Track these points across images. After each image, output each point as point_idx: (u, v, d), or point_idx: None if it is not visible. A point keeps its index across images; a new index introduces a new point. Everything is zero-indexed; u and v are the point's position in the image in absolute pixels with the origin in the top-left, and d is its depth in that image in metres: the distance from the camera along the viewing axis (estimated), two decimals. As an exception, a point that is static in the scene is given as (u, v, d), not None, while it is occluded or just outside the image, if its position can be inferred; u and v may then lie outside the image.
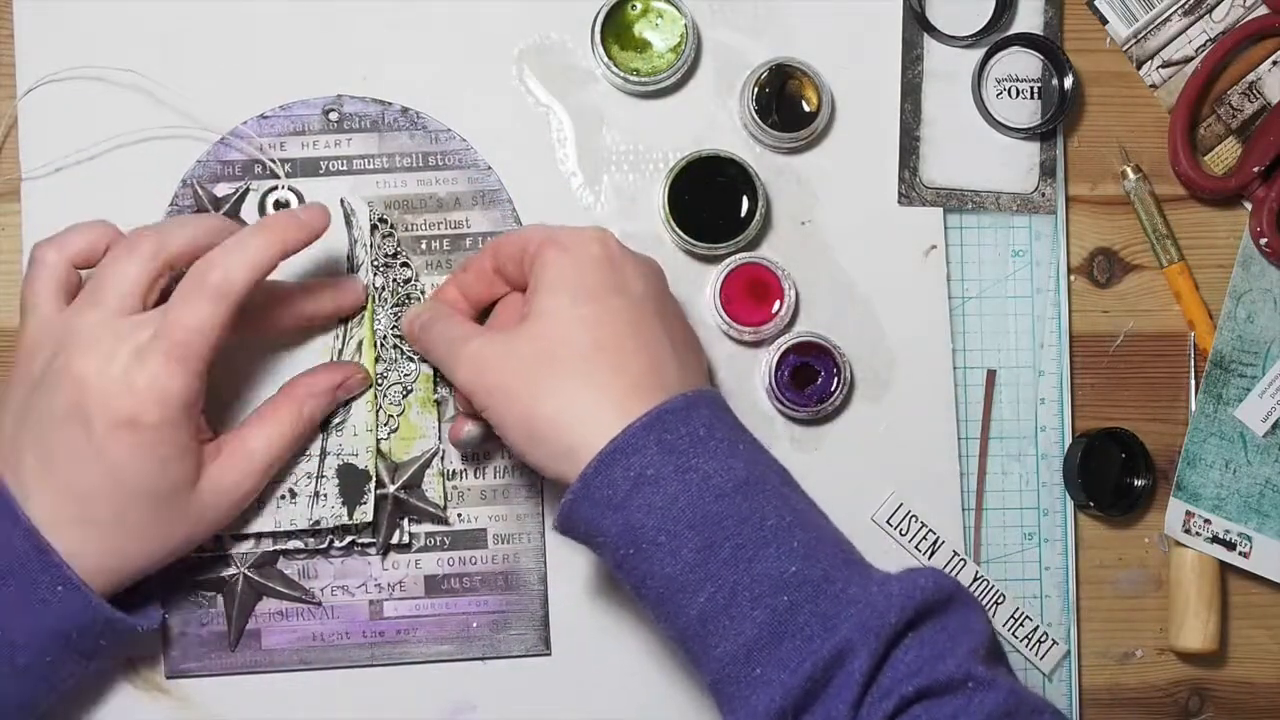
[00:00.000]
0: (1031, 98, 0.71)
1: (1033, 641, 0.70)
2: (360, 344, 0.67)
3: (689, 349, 0.62)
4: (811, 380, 0.68)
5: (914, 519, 0.70)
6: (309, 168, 0.68)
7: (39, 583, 0.57)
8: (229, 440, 0.62)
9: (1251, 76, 0.73)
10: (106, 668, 0.64)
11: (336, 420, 0.66)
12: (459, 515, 0.68)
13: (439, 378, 0.68)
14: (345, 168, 0.69)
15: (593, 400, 0.56)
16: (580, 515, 0.56)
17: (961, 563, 0.70)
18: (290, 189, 0.67)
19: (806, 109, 0.69)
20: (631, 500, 0.55)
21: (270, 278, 0.60)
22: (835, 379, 0.68)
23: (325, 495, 0.66)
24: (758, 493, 0.55)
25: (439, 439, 0.68)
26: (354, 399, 0.66)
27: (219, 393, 0.66)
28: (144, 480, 0.58)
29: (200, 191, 0.67)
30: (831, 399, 0.68)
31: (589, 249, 0.59)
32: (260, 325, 0.63)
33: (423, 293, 0.68)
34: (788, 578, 0.54)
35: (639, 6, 0.69)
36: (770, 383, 0.68)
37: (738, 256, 0.69)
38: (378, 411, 0.67)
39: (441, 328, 0.62)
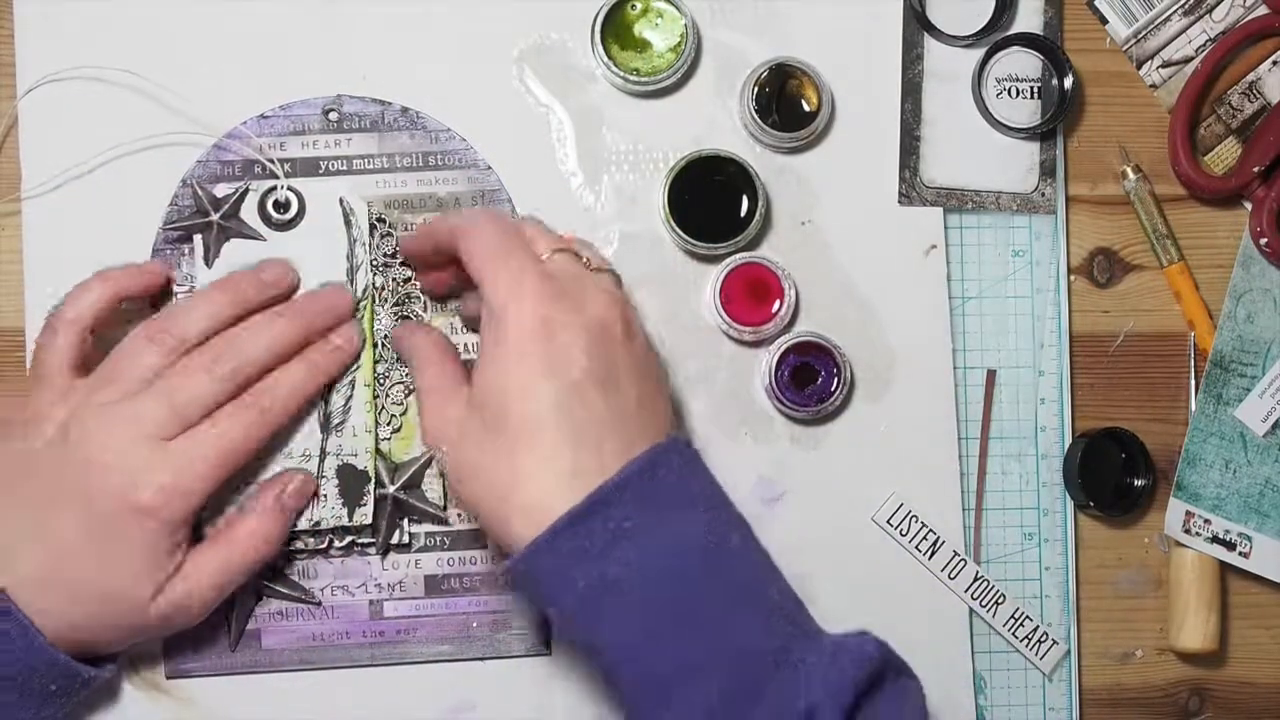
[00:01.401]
0: (1031, 98, 0.71)
1: (1033, 641, 0.70)
2: (360, 343, 0.67)
3: (645, 401, 0.59)
4: (812, 380, 0.68)
5: (914, 519, 0.70)
6: (309, 168, 0.68)
7: None
8: (195, 552, 0.62)
9: (1251, 76, 0.73)
10: (59, 717, 0.61)
11: (336, 421, 0.66)
12: (459, 515, 0.68)
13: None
14: (345, 167, 0.69)
15: (546, 472, 0.56)
16: (542, 567, 0.55)
17: (962, 563, 0.70)
18: (290, 189, 0.67)
19: (806, 109, 0.69)
20: (610, 553, 0.54)
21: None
22: (835, 379, 0.68)
23: (325, 496, 0.66)
24: (725, 555, 0.56)
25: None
26: (352, 399, 0.66)
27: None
28: (129, 563, 0.59)
29: (200, 192, 0.67)
30: (831, 399, 0.68)
31: (523, 318, 0.56)
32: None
33: (422, 290, 0.68)
34: (754, 647, 0.54)
35: (639, 6, 0.69)
36: (770, 382, 0.68)
37: (738, 256, 0.69)
38: (378, 412, 0.67)
39: (425, 381, 0.62)
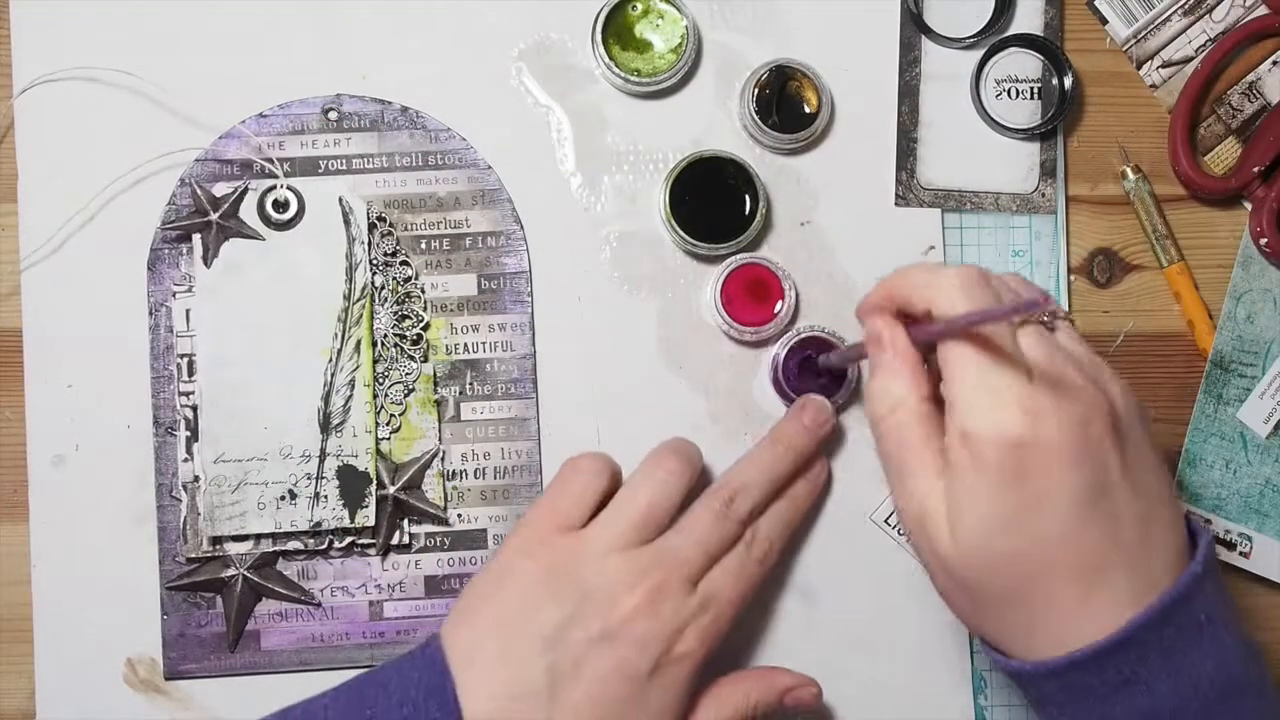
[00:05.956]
0: (1031, 98, 0.71)
1: (1033, 642, 0.70)
2: (359, 343, 0.67)
3: (1148, 512, 0.53)
4: (817, 377, 0.68)
5: (914, 519, 0.70)
6: (308, 167, 0.68)
7: None
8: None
9: (1251, 76, 0.73)
10: None
11: (336, 421, 0.66)
12: (459, 516, 0.68)
13: (438, 379, 0.68)
14: (344, 167, 0.69)
15: (1029, 626, 0.53)
16: (1041, 690, 0.53)
17: (962, 563, 0.70)
18: (289, 188, 0.67)
19: (807, 110, 0.69)
20: (1113, 699, 0.51)
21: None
22: (842, 377, 0.68)
23: (325, 497, 0.65)
24: (1239, 699, 0.52)
25: (439, 439, 0.68)
26: (351, 399, 0.66)
27: (220, 399, 0.66)
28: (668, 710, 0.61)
29: (198, 191, 0.67)
30: (835, 397, 0.68)
31: (1000, 462, 0.50)
32: None
33: (423, 290, 0.68)
34: None
35: (640, 7, 0.69)
36: (778, 376, 0.68)
37: (738, 257, 0.69)
38: (378, 411, 0.67)
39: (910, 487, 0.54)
